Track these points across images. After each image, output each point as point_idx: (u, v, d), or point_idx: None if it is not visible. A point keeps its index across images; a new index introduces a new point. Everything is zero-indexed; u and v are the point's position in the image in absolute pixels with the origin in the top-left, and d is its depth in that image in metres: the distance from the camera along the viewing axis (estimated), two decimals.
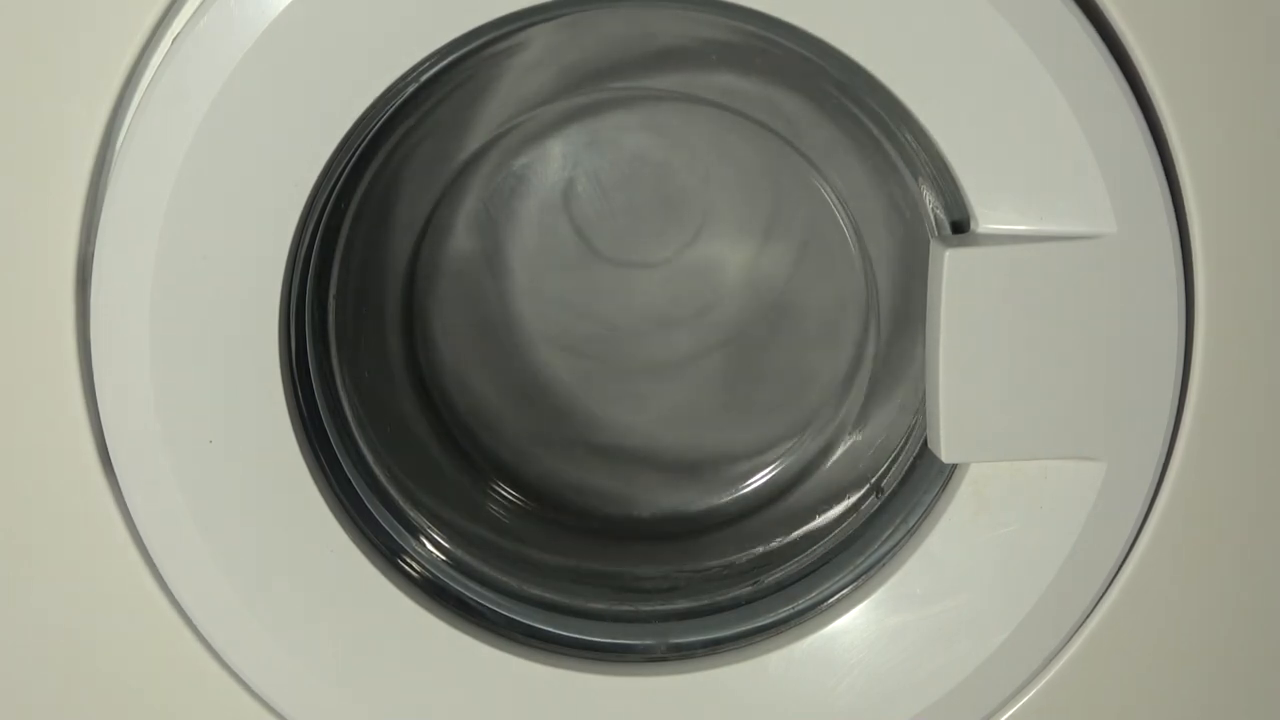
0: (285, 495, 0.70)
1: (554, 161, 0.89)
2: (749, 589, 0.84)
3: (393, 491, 0.83)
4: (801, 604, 0.79)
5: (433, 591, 0.77)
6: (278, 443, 0.70)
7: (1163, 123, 0.68)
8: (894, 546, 0.77)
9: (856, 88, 0.73)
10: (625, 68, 0.87)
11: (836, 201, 0.89)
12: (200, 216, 0.66)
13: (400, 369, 0.91)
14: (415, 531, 0.82)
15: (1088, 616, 0.73)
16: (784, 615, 0.79)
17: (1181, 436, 0.71)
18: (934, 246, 0.70)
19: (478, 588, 0.81)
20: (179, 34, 0.66)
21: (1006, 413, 0.70)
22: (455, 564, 0.82)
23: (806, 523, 0.89)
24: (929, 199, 0.76)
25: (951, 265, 0.68)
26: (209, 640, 0.72)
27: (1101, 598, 0.73)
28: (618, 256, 0.91)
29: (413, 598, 0.73)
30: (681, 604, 0.84)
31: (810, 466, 0.93)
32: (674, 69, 0.87)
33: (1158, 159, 0.67)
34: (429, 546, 0.83)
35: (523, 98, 0.86)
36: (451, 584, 0.80)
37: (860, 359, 0.92)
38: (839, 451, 0.92)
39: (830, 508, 0.88)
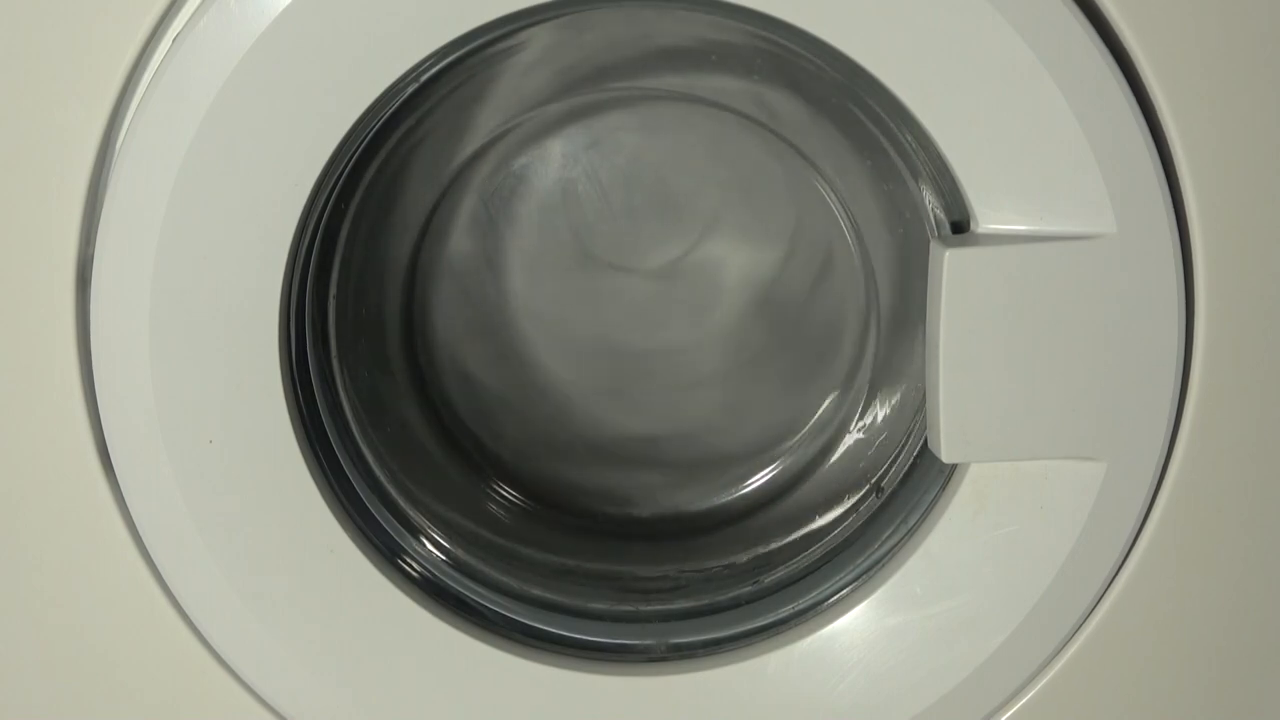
0: (285, 495, 0.70)
1: (554, 162, 0.89)
2: (749, 589, 0.84)
3: (393, 491, 0.83)
4: (801, 604, 0.79)
5: (433, 591, 0.77)
6: (278, 443, 0.70)
7: (1163, 123, 0.68)
8: (894, 546, 0.77)
9: (857, 88, 0.73)
10: (625, 68, 0.87)
11: (836, 202, 0.89)
12: (200, 217, 0.66)
13: (400, 369, 0.91)
14: (415, 531, 0.82)
15: (1088, 616, 0.73)
16: (784, 615, 0.79)
17: (1181, 436, 0.71)
18: (934, 246, 0.70)
19: (478, 588, 0.81)
20: (179, 34, 0.66)
21: (1006, 413, 0.70)
22: (455, 564, 0.83)
23: (807, 523, 0.89)
24: (929, 199, 0.76)
25: (951, 265, 0.68)
26: (209, 640, 0.72)
27: (1101, 598, 0.73)
28: (617, 256, 0.91)
29: (413, 598, 0.73)
30: (681, 604, 0.84)
31: (810, 466, 0.93)
32: (673, 69, 0.87)
33: (1158, 159, 0.67)
34: (429, 546, 0.83)
35: (522, 98, 0.86)
36: (451, 584, 0.80)
37: (860, 359, 0.92)
38: (839, 451, 0.92)
39: (830, 508, 0.88)
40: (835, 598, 0.78)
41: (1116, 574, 0.73)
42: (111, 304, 0.67)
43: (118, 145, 0.67)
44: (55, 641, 0.73)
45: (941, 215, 0.75)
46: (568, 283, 0.91)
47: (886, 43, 0.66)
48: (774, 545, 0.89)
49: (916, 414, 0.84)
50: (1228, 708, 0.76)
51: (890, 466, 0.85)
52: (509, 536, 0.91)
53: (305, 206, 0.67)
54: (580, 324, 0.92)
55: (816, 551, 0.85)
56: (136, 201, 0.66)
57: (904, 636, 0.74)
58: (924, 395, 0.73)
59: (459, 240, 0.90)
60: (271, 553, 0.71)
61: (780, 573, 0.84)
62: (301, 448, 0.70)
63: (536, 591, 0.83)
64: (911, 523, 0.77)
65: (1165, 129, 0.68)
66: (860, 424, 0.92)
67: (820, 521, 0.88)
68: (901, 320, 0.88)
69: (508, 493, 0.93)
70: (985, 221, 0.69)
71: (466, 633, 0.74)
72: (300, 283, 0.77)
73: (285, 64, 0.65)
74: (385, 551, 0.77)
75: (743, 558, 0.89)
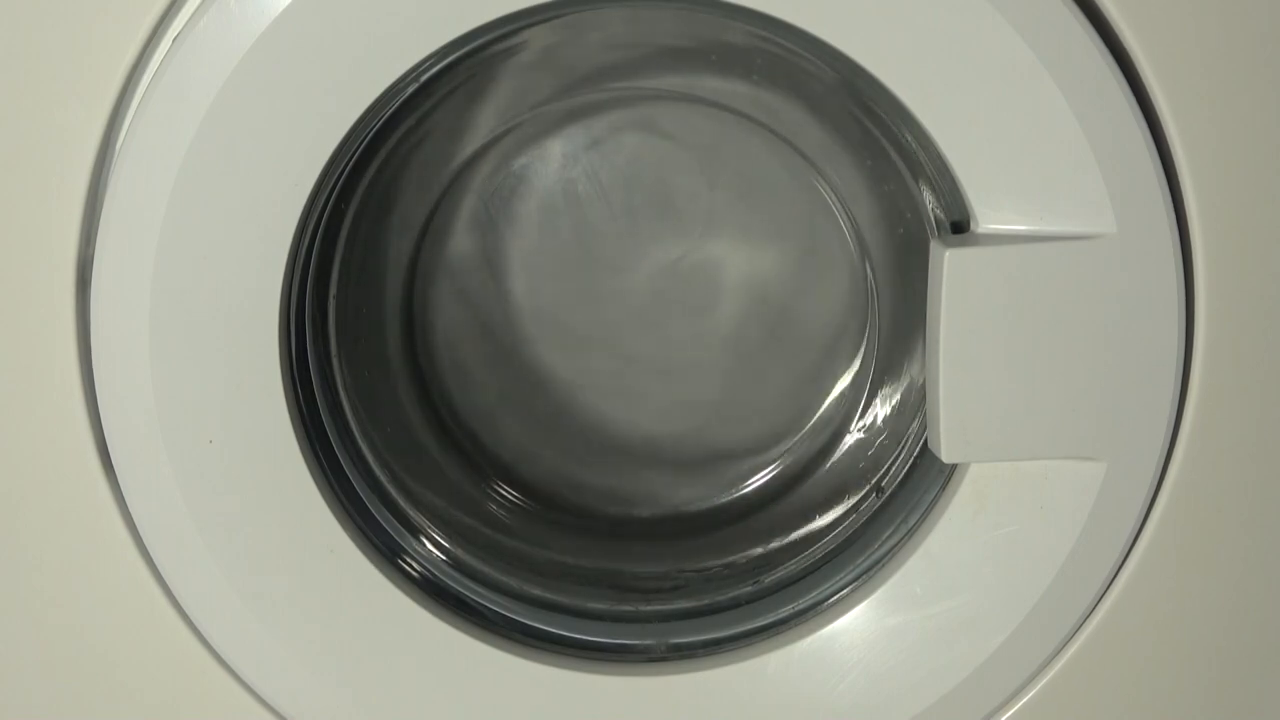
0: (285, 495, 0.70)
1: (554, 162, 0.89)
2: (749, 589, 0.84)
3: (393, 491, 0.83)
4: (801, 604, 0.79)
5: (433, 591, 0.77)
6: (278, 443, 0.70)
7: (1163, 123, 0.68)
8: (894, 546, 0.77)
9: (857, 88, 0.73)
10: (625, 68, 0.87)
11: (836, 201, 0.89)
12: (200, 216, 0.66)
13: (400, 369, 0.91)
14: (415, 531, 0.82)
15: (1088, 616, 0.73)
16: (784, 615, 0.79)
17: (1181, 436, 0.71)
18: (934, 246, 0.70)
19: (478, 588, 0.81)
20: (179, 34, 0.66)
21: (1006, 413, 0.70)
22: (455, 564, 0.83)
23: (807, 522, 0.89)
24: (929, 199, 0.76)
25: (951, 265, 0.68)
26: (209, 640, 0.72)
27: (1101, 598, 0.73)
28: (617, 256, 0.91)
29: (413, 597, 0.73)
30: (682, 604, 0.84)
31: (810, 466, 0.93)
32: (674, 69, 0.87)
33: (1158, 159, 0.67)
34: (429, 546, 0.83)
35: (522, 98, 0.86)
36: (451, 584, 0.80)
37: (860, 359, 0.92)
38: (839, 451, 0.92)
39: (830, 508, 0.88)
40: (835, 598, 0.78)
41: (1116, 574, 0.73)
42: (111, 304, 0.67)
43: (118, 145, 0.67)
44: (55, 641, 0.73)
45: (941, 215, 0.75)
46: (568, 283, 0.91)
47: (886, 43, 0.66)
48: (774, 545, 0.89)
49: (916, 414, 0.84)
50: (1228, 708, 0.76)
51: (890, 466, 0.85)
52: (509, 536, 0.91)
53: (305, 206, 0.67)
54: (580, 324, 0.92)
55: (816, 551, 0.85)
56: (136, 201, 0.66)
57: (904, 636, 0.74)
58: (924, 395, 0.73)
59: (459, 240, 0.90)
60: (271, 553, 0.71)
61: (780, 573, 0.84)
62: (301, 448, 0.70)
63: (536, 591, 0.83)
64: (911, 523, 0.77)
65: (1165, 129, 0.68)
66: (860, 424, 0.92)
67: (820, 521, 0.88)
68: (901, 320, 0.88)
69: (508, 492, 0.93)
70: (985, 221, 0.69)
71: (466, 633, 0.74)
72: (300, 283, 0.77)
73: (285, 64, 0.65)
74: (385, 551, 0.77)
75: (742, 558, 0.89)
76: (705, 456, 0.95)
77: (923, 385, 0.76)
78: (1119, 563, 0.73)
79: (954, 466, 0.73)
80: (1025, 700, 0.75)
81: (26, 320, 0.69)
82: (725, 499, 0.94)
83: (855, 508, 0.86)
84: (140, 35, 0.66)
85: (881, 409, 0.90)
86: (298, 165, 0.66)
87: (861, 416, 0.92)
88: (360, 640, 0.72)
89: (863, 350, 0.92)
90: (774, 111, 0.87)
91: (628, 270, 0.91)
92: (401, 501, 0.83)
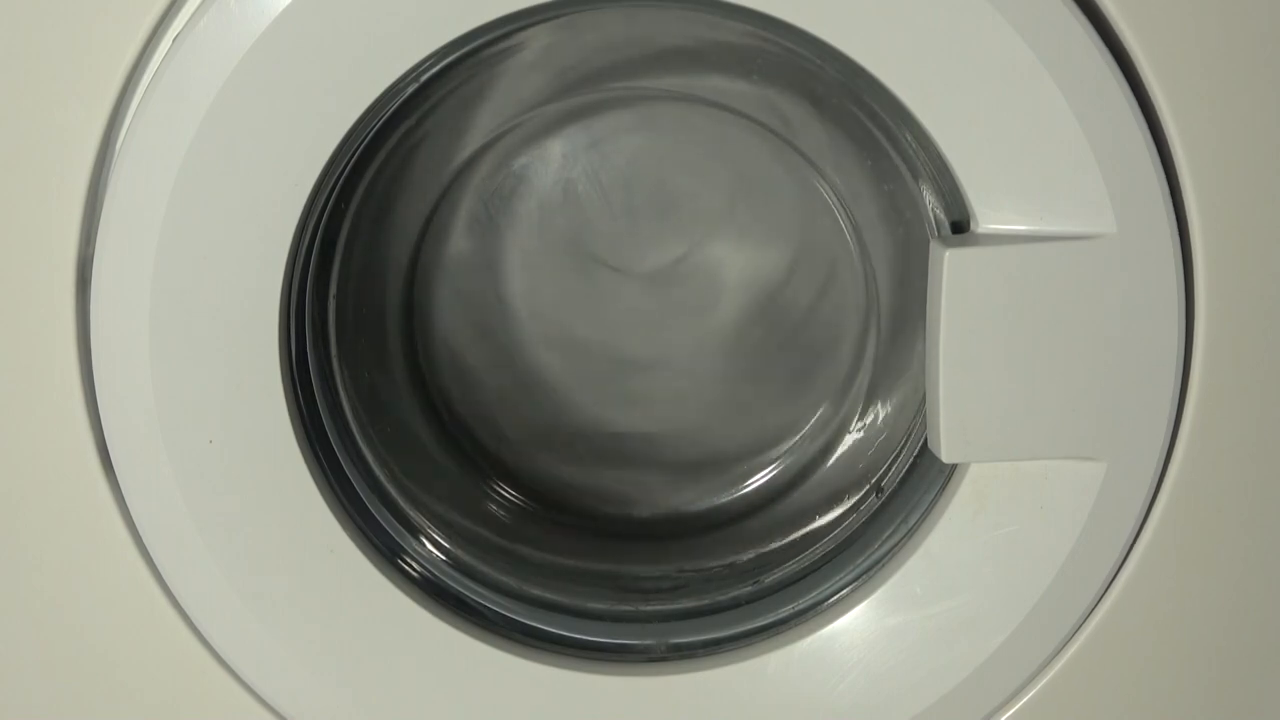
0: (285, 495, 0.70)
1: (553, 162, 0.89)
2: (749, 589, 0.84)
3: (393, 491, 0.83)
4: (801, 604, 0.79)
5: (433, 591, 0.77)
6: (278, 443, 0.70)
7: (1163, 123, 0.68)
8: (894, 546, 0.77)
9: (856, 88, 0.73)
10: (624, 68, 0.87)
11: (836, 201, 0.89)
12: (200, 217, 0.66)
13: (400, 369, 0.91)
14: (415, 531, 0.82)
15: (1088, 616, 0.74)
16: (784, 615, 0.79)
17: (1181, 436, 0.72)
18: (934, 246, 0.70)
19: (478, 588, 0.81)
20: (179, 34, 0.66)
21: (1006, 413, 0.70)
22: (455, 564, 0.83)
23: (807, 523, 0.89)
24: (929, 199, 0.76)
25: (951, 265, 0.68)
26: (209, 640, 0.72)
27: (1101, 598, 0.73)
28: (617, 257, 0.91)
29: (413, 597, 0.73)
30: (682, 604, 0.84)
31: (810, 466, 0.93)
32: (673, 69, 0.87)
33: (1158, 159, 0.67)
34: (429, 546, 0.83)
35: (522, 98, 0.86)
36: (451, 584, 0.80)
37: (860, 359, 0.92)
38: (839, 451, 0.92)
39: (830, 508, 0.88)
40: (835, 598, 0.78)
41: (1116, 574, 0.73)
42: (111, 304, 0.67)
43: (118, 145, 0.67)
44: (55, 641, 0.73)
45: (941, 215, 0.75)
46: (568, 283, 0.91)
47: (886, 43, 0.66)
48: (774, 545, 0.89)
49: (916, 414, 0.84)
50: (1228, 708, 0.76)
51: (890, 466, 0.85)
52: (509, 536, 0.91)
53: (305, 206, 0.67)
54: (580, 324, 0.92)
55: (816, 551, 0.85)
56: (136, 201, 0.66)
57: (904, 636, 0.74)
58: (924, 395, 0.73)
59: (459, 240, 0.90)
60: (271, 553, 0.71)
61: (780, 573, 0.84)
62: (301, 448, 0.70)
63: (536, 591, 0.83)
64: (911, 523, 0.77)
65: (1165, 129, 0.68)
66: (860, 424, 0.92)
67: (820, 521, 0.88)
68: (901, 320, 0.88)
69: (508, 493, 0.93)
70: (985, 221, 0.69)
71: (466, 633, 0.74)
72: (300, 283, 0.77)
73: (285, 64, 0.65)
74: (385, 551, 0.77)
75: (743, 558, 0.89)
76: (705, 456, 0.95)
77: (923, 385, 0.76)
78: (1119, 563, 0.73)
79: (954, 466, 0.73)
80: (1025, 700, 0.75)
81: (26, 320, 0.69)
82: (725, 499, 0.94)
83: (855, 508, 0.86)
84: (140, 35, 0.66)
85: (881, 409, 0.90)
86: (298, 165, 0.66)
87: (861, 416, 0.92)
88: (360, 640, 0.72)
89: (863, 350, 0.92)
90: (774, 111, 0.87)
91: (628, 271, 0.91)
92: (401, 501, 0.83)
